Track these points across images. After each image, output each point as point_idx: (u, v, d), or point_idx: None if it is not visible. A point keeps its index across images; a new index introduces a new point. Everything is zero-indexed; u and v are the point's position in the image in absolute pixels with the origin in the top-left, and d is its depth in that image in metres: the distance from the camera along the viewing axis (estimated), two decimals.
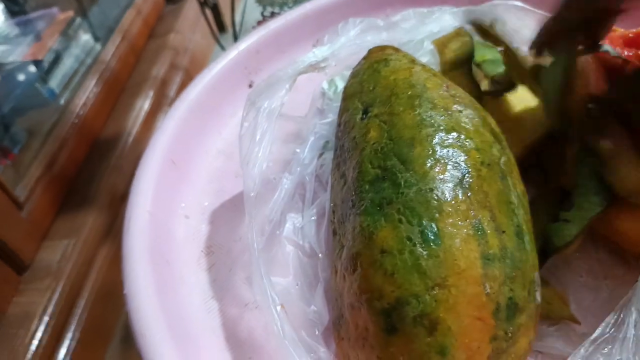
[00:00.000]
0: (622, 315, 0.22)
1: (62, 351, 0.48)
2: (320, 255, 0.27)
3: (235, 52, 0.39)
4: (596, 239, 0.28)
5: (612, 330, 0.22)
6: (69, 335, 0.49)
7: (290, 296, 0.26)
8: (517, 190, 0.23)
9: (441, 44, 0.33)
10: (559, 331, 0.25)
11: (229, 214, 0.32)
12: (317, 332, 0.24)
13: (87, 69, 0.66)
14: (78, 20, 0.71)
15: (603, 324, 0.23)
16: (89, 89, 0.62)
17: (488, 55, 0.35)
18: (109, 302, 0.55)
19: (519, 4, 0.33)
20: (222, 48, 0.79)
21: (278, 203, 0.29)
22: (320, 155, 0.32)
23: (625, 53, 0.35)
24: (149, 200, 0.30)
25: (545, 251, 0.26)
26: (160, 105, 0.68)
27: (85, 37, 0.73)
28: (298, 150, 0.31)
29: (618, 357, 0.21)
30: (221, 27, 0.85)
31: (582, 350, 0.22)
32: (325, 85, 0.37)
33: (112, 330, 0.54)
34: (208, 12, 0.78)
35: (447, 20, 0.33)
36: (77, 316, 0.51)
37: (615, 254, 0.27)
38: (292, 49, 0.41)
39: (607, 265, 0.27)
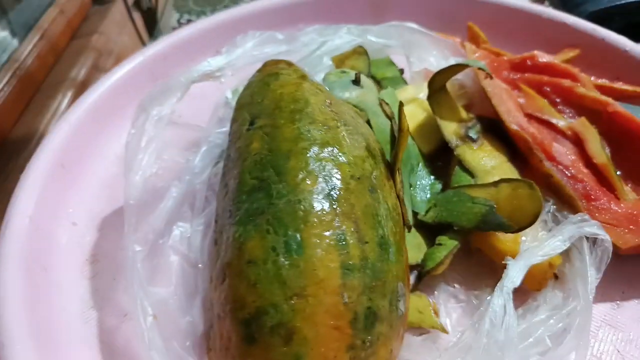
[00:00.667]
0: (477, 325, 0.23)
1: None
2: (200, 265, 0.27)
3: (141, 57, 0.38)
4: (470, 251, 0.29)
5: (468, 339, 0.23)
6: None
7: (167, 306, 0.25)
8: (387, 203, 0.24)
9: (339, 61, 0.34)
10: (427, 340, 0.25)
11: (119, 221, 0.31)
12: (188, 343, 0.24)
13: (1, 65, 0.62)
14: None
15: (460, 333, 0.24)
16: (0, 87, 0.58)
17: (388, 73, 0.36)
18: None
19: (414, 25, 0.35)
20: None
21: (164, 211, 0.28)
22: (216, 164, 0.32)
23: (511, 77, 0.38)
24: (30, 205, 0.28)
25: (421, 271, 0.27)
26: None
27: (2, 34, 0.69)
28: (190, 159, 0.31)
29: None
30: (151, 31, 0.83)
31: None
32: (229, 94, 0.37)
33: None
34: (137, 15, 0.76)
35: (345, 37, 0.34)
36: None
37: (486, 266, 0.28)
38: (201, 57, 0.40)
39: (478, 277, 0.28)
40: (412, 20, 0.39)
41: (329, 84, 0.30)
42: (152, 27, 0.82)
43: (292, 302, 0.19)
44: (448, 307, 0.27)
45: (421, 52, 0.34)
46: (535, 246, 0.26)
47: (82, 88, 0.68)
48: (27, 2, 0.69)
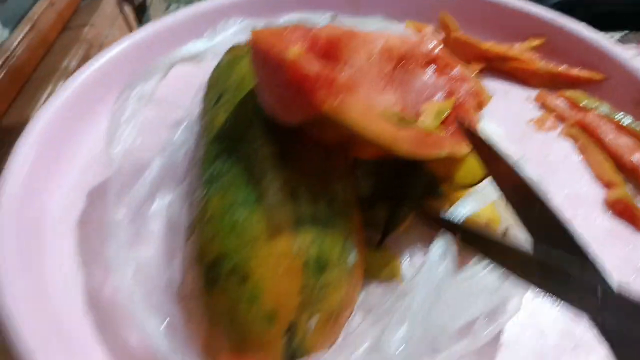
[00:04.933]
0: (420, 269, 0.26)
1: None
2: (181, 229, 0.31)
3: (126, 43, 0.42)
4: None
5: (411, 282, 0.26)
6: None
7: (147, 266, 0.29)
8: (338, 169, 0.28)
9: None
10: (388, 288, 0.29)
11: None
12: (166, 296, 0.27)
13: None
14: None
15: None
16: None
17: None
18: None
19: (383, 22, 0.39)
20: None
21: (147, 182, 0.32)
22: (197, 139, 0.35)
23: None
24: (23, 173, 0.32)
25: (387, 228, 0.31)
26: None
27: None
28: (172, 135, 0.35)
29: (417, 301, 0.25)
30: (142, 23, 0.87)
31: (387, 303, 0.27)
32: None
33: None
34: (129, 9, 0.80)
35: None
36: None
37: None
38: (184, 45, 0.44)
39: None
40: (385, 8, 0.44)
41: None
42: (142, 21, 0.87)
43: (248, 248, 0.23)
44: (413, 261, 0.31)
45: None
46: (468, 198, 0.29)
47: None
48: None
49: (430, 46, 0.32)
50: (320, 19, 0.41)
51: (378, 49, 0.29)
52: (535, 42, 0.45)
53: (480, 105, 0.33)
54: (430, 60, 0.32)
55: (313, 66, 0.23)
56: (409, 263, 0.31)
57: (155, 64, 0.34)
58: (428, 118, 0.29)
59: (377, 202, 0.32)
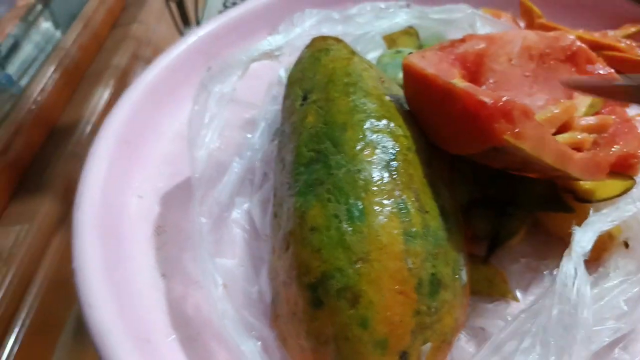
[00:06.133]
0: (549, 289, 0.24)
1: (11, 339, 0.49)
2: (265, 237, 0.29)
3: (194, 37, 0.41)
4: (536, 225, 0.30)
5: (539, 304, 0.23)
6: (19, 322, 0.50)
7: (234, 277, 0.28)
8: (443, 176, 0.25)
9: (390, 40, 0.36)
10: (499, 307, 0.27)
11: (183, 195, 0.33)
12: (260, 311, 0.26)
13: (47, 56, 0.66)
14: (39, 6, 0.72)
15: (531, 300, 0.25)
16: (48, 76, 0.63)
17: None
18: (62, 291, 0.55)
19: (470, 9, 0.36)
20: None
21: (227, 186, 0.30)
22: (273, 140, 0.34)
23: None
24: (100, 178, 0.31)
25: (495, 241, 0.29)
26: (121, 94, 0.69)
27: (45, 25, 0.74)
28: (249, 136, 0.33)
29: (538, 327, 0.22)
30: (185, 20, 0.87)
31: (508, 326, 0.24)
32: (282, 73, 0.39)
33: (64, 320, 0.55)
34: (173, 5, 0.80)
35: (400, 17, 0.36)
36: (28, 304, 0.51)
37: (555, 237, 0.29)
38: (252, 36, 0.42)
39: (548, 247, 0.29)
40: None
41: (382, 65, 0.32)
42: (184, 16, 0.86)
43: (357, 266, 0.21)
44: (518, 277, 0.28)
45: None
46: (603, 212, 0.26)
47: (123, 76, 0.72)
48: None
49: (570, 41, 0.31)
50: (394, 7, 0.39)
51: (517, 49, 0.28)
52: (632, 28, 0.41)
53: None
54: (570, 55, 0.31)
55: (486, 94, 0.22)
56: (515, 280, 0.28)
57: (232, 61, 0.32)
58: (582, 107, 0.29)
59: (477, 210, 0.29)
